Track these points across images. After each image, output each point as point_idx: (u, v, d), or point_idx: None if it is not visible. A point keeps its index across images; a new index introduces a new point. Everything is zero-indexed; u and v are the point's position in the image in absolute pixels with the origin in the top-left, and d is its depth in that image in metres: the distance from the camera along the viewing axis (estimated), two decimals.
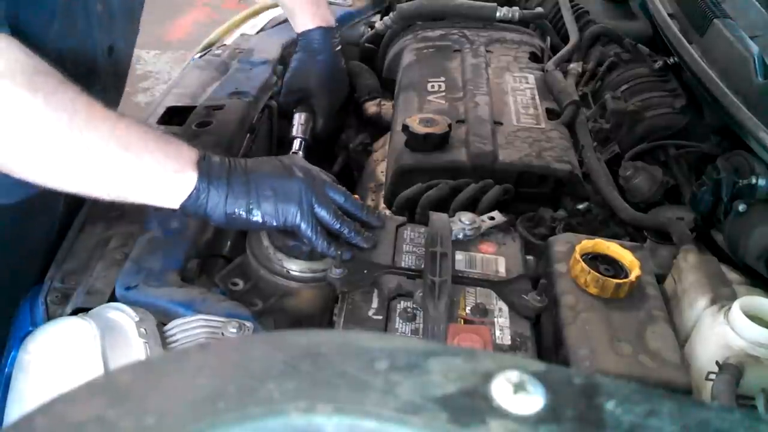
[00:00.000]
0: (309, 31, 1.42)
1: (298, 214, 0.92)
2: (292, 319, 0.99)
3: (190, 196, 0.88)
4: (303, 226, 0.92)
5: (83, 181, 0.86)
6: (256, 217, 0.91)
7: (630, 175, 1.22)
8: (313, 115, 1.42)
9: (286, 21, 1.58)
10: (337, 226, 0.94)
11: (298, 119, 1.40)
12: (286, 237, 1.00)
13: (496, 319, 0.88)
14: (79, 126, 0.82)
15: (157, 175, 0.87)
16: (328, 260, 0.95)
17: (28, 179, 0.86)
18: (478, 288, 0.92)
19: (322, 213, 0.93)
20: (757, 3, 1.23)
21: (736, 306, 0.82)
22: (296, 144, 1.40)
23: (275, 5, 1.76)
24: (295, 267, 1.00)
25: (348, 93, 1.55)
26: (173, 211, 0.91)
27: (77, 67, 1.06)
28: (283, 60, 1.56)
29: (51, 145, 0.82)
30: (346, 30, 1.79)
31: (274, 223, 0.92)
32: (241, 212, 0.91)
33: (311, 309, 1.00)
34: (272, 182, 0.92)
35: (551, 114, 1.34)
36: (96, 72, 1.12)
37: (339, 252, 0.91)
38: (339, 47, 1.45)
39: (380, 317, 0.88)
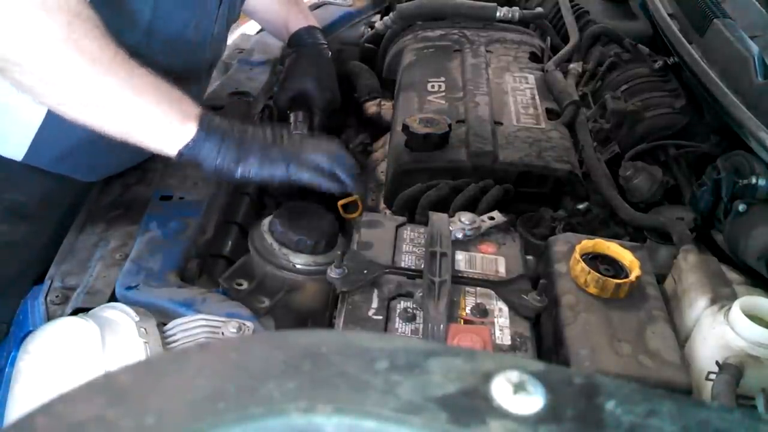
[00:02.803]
0: (299, 31, 1.45)
1: (287, 167, 0.99)
2: (299, 314, 1.00)
3: (187, 144, 0.95)
4: (297, 175, 0.99)
5: (96, 116, 0.94)
6: (241, 171, 0.97)
7: (630, 175, 1.22)
8: (310, 113, 1.42)
9: None
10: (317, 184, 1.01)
11: (295, 117, 1.39)
12: (290, 232, 1.01)
13: (496, 319, 0.88)
14: (100, 70, 0.90)
15: (162, 122, 0.95)
16: (332, 253, 0.95)
17: (48, 105, 0.97)
18: (478, 288, 0.92)
19: (302, 176, 0.99)
20: (757, 3, 1.23)
21: (736, 306, 0.82)
22: None
23: None
24: (300, 260, 1.02)
25: (347, 92, 1.55)
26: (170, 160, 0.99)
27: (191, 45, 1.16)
28: (283, 60, 1.56)
29: (72, 82, 0.91)
30: (346, 30, 1.79)
31: (259, 177, 0.98)
32: (229, 166, 0.97)
33: (317, 303, 1.01)
34: (261, 145, 0.99)
35: (551, 114, 1.34)
36: (205, 53, 1.22)
37: (340, 252, 0.92)
38: (326, 46, 1.46)
39: (380, 317, 0.88)
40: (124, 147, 0.96)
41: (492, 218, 1.03)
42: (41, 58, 0.88)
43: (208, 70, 1.31)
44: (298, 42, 1.45)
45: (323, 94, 1.38)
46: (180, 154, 0.96)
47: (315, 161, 1.01)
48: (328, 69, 1.43)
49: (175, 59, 1.11)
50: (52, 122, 1.04)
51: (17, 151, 1.09)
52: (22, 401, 0.83)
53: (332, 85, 1.42)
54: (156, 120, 0.95)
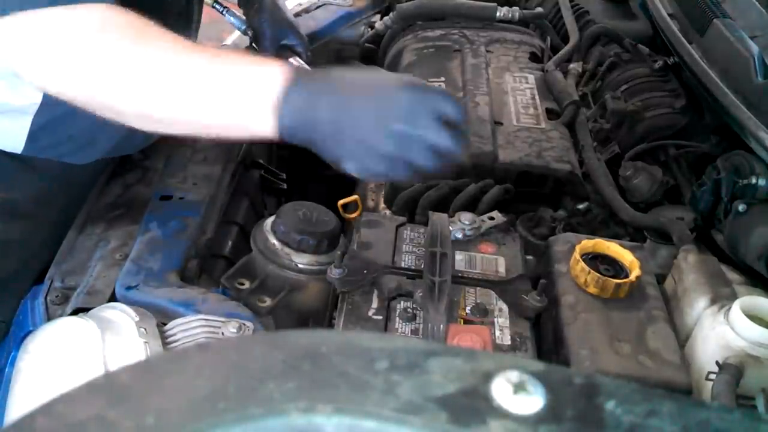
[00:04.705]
0: None
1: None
2: (301, 314, 1.00)
3: (278, 133, 0.83)
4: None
5: (181, 109, 0.87)
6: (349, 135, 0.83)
7: (630, 175, 1.22)
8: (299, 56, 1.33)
9: None
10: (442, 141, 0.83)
11: (295, 61, 1.31)
12: (292, 231, 1.02)
13: (496, 319, 0.88)
14: (176, 61, 0.85)
15: (242, 122, 0.85)
16: (334, 253, 0.95)
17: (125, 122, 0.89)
18: (478, 288, 0.92)
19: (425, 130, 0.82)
20: (757, 3, 1.23)
21: (736, 306, 0.82)
22: None
23: None
24: (302, 260, 1.02)
25: None
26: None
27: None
28: None
29: (154, 81, 0.85)
30: (346, 30, 1.79)
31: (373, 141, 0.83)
32: (327, 132, 0.83)
33: (319, 302, 1.01)
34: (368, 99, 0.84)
35: (551, 114, 1.34)
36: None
37: (339, 252, 0.92)
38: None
39: (380, 317, 0.88)
40: (120, 126, 0.93)
41: (492, 218, 1.03)
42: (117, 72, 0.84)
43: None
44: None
45: (300, 34, 1.31)
46: (282, 124, 0.83)
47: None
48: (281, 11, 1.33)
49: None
50: (48, 109, 1.04)
51: (16, 144, 1.09)
52: (22, 401, 0.83)
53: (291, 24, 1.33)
54: (236, 122, 0.86)
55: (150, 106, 0.87)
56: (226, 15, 1.38)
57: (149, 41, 0.85)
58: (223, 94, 0.85)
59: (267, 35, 1.29)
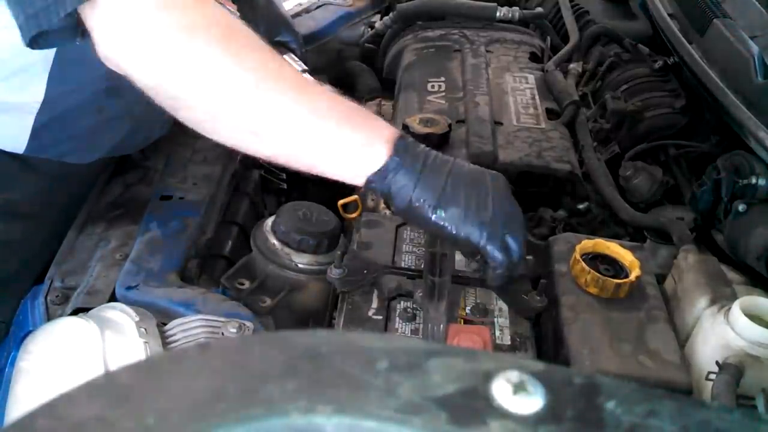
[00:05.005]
0: None
1: (485, 235, 0.82)
2: (301, 314, 1.00)
3: (378, 170, 0.81)
4: (488, 248, 0.83)
5: (268, 144, 0.83)
6: (440, 217, 0.82)
7: (630, 175, 1.22)
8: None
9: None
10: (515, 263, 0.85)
11: (290, 58, 1.29)
12: (293, 231, 1.02)
13: (496, 319, 0.88)
14: (267, 87, 0.80)
15: (346, 146, 0.82)
16: (334, 253, 0.95)
17: (218, 138, 0.84)
18: (478, 288, 0.92)
19: (513, 244, 0.84)
20: (757, 3, 1.23)
21: (736, 306, 0.82)
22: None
23: None
24: (302, 260, 1.02)
25: (347, 92, 1.54)
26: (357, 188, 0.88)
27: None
28: None
29: (238, 104, 0.80)
30: (346, 30, 1.79)
31: (454, 232, 0.82)
32: (426, 205, 0.82)
33: (319, 303, 1.01)
34: (469, 189, 0.83)
35: (551, 114, 1.34)
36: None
37: (339, 252, 0.92)
38: None
39: (380, 317, 0.88)
40: (122, 126, 0.91)
41: None
42: (197, 85, 0.79)
43: None
44: None
45: (295, 33, 1.28)
46: (369, 182, 0.82)
47: (519, 235, 0.84)
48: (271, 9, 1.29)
49: None
50: (50, 107, 1.04)
51: (19, 143, 1.09)
52: (22, 401, 0.83)
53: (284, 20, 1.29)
54: (339, 142, 0.82)
55: (234, 137, 0.83)
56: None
57: (241, 56, 0.79)
58: (338, 115, 0.82)
59: (261, 31, 1.29)
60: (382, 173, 0.82)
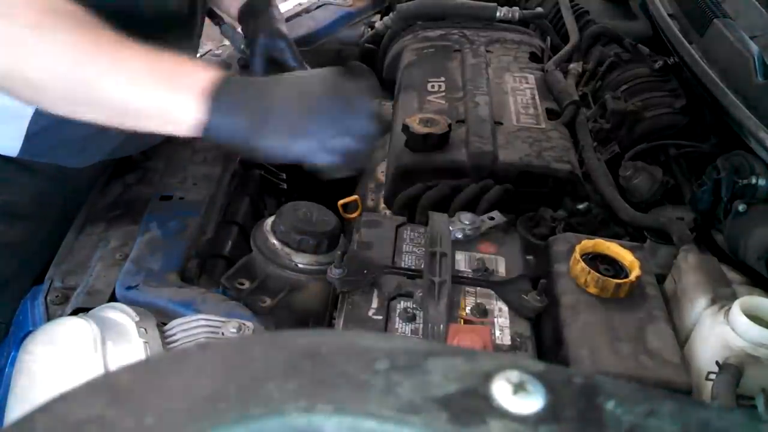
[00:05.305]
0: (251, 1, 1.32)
1: (311, 150, 0.87)
2: (301, 314, 1.00)
3: (200, 123, 0.85)
4: (316, 161, 0.87)
5: (91, 112, 0.88)
6: (266, 147, 0.86)
7: (630, 175, 1.22)
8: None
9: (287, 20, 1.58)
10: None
11: None
12: (293, 231, 1.02)
13: (496, 319, 0.88)
14: (79, 61, 0.84)
15: (165, 107, 0.86)
16: (334, 253, 0.95)
17: (46, 109, 0.90)
18: (478, 288, 0.92)
19: (339, 145, 0.87)
20: (757, 3, 1.23)
21: (736, 306, 0.82)
22: None
23: None
24: (303, 260, 1.02)
25: None
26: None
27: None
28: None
29: (53, 81, 0.85)
30: (346, 30, 1.79)
31: (282, 155, 0.87)
32: (250, 142, 0.86)
33: (319, 302, 1.01)
34: (292, 108, 0.87)
35: (551, 114, 1.34)
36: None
37: (339, 252, 0.92)
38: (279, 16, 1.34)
39: (380, 317, 0.88)
40: (118, 134, 0.92)
41: (492, 218, 1.03)
42: (16, 65, 0.84)
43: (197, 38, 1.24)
44: (252, 9, 1.31)
45: (298, 59, 1.27)
46: (198, 134, 0.86)
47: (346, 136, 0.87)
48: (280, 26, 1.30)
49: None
50: (44, 114, 1.03)
51: (12, 147, 1.09)
52: (23, 401, 0.83)
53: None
54: (157, 105, 0.86)
55: (57, 106, 0.88)
56: (222, 27, 1.38)
57: (51, 37, 0.84)
58: (152, 78, 0.86)
59: (259, 45, 1.28)
60: (204, 125, 0.85)
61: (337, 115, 0.87)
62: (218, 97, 0.84)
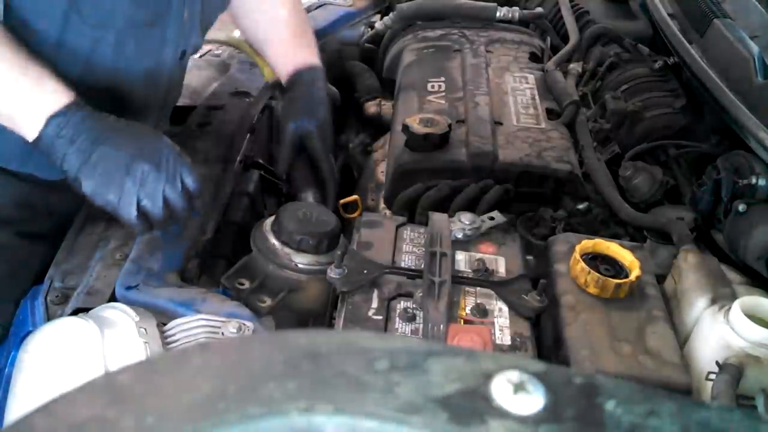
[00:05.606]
0: (300, 70, 1.29)
1: (118, 206, 0.93)
2: (301, 314, 1.00)
3: (35, 140, 0.93)
4: (123, 216, 0.94)
5: None
6: (81, 187, 0.93)
7: (630, 175, 1.22)
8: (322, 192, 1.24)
9: None
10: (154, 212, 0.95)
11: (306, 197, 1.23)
12: (292, 231, 1.02)
13: (496, 319, 0.88)
14: None
15: (11, 112, 0.94)
16: (334, 253, 0.95)
17: None
18: (478, 288, 0.92)
19: (147, 204, 0.94)
20: (757, 3, 1.23)
21: (736, 306, 0.82)
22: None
23: None
24: (302, 260, 1.02)
25: (347, 92, 1.54)
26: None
27: (150, 70, 1.13)
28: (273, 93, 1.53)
29: None
30: (346, 30, 1.79)
31: (95, 201, 0.94)
32: (72, 177, 0.93)
33: (319, 302, 1.01)
34: (109, 157, 0.93)
35: (551, 114, 1.34)
36: (164, 76, 1.17)
37: (339, 252, 0.92)
38: (324, 88, 1.30)
39: (380, 317, 0.88)
40: None
41: (492, 218, 1.03)
42: None
43: (165, 96, 1.21)
44: (295, 82, 1.28)
45: (325, 145, 1.24)
46: (36, 147, 0.94)
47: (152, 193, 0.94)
48: (326, 116, 1.26)
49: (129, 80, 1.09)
50: None
51: None
52: (22, 401, 0.83)
53: (330, 134, 1.27)
54: (7, 108, 0.94)
55: None
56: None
57: None
58: (13, 84, 0.93)
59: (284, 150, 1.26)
60: (38, 142, 0.93)
61: (148, 179, 0.93)
62: (53, 121, 0.92)
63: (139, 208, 0.93)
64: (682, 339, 0.89)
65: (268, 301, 0.98)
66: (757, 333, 0.80)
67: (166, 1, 1.07)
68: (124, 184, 0.92)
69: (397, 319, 0.88)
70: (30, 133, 0.93)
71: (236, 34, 1.72)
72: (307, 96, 1.26)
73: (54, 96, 0.94)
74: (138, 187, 0.93)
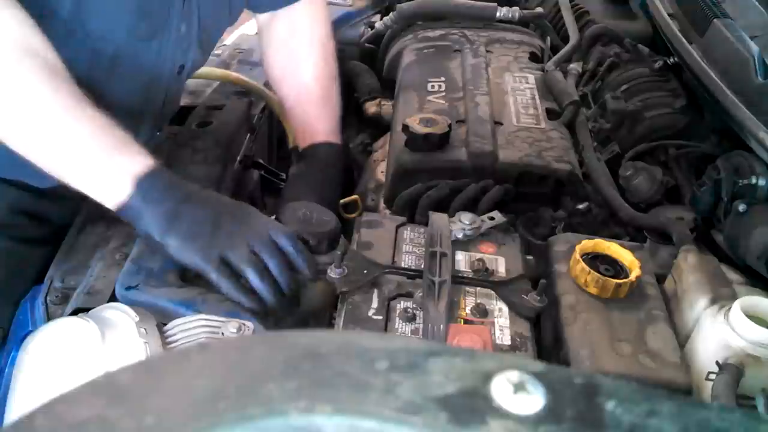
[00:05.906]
0: (318, 145, 1.27)
1: (202, 259, 0.91)
2: (301, 314, 1.00)
3: (119, 204, 0.92)
4: (207, 270, 0.91)
5: (33, 152, 0.93)
6: (168, 247, 0.92)
7: (630, 175, 1.22)
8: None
9: None
10: (251, 278, 0.91)
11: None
12: (294, 232, 1.01)
13: (496, 319, 0.88)
14: (37, 103, 0.90)
15: (96, 175, 0.92)
16: (334, 252, 0.95)
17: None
18: (478, 288, 0.92)
19: (238, 263, 0.91)
20: (757, 3, 1.23)
21: (736, 306, 0.82)
22: None
23: None
24: None
25: (347, 92, 1.54)
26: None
27: (147, 83, 1.12)
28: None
29: (11, 123, 0.92)
30: (346, 30, 1.79)
31: (182, 260, 0.92)
32: (156, 239, 0.92)
33: (321, 302, 1.01)
34: (198, 219, 0.92)
35: (551, 114, 1.34)
36: (161, 88, 1.16)
37: (339, 252, 0.91)
38: (338, 166, 1.29)
39: (380, 317, 0.88)
40: None
41: (492, 218, 1.03)
42: None
43: (162, 108, 1.21)
44: (311, 154, 1.27)
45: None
46: (117, 209, 0.92)
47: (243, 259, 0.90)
48: (330, 196, 1.22)
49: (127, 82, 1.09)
50: None
51: None
52: (23, 401, 0.83)
53: (334, 202, 1.22)
54: (90, 175, 0.92)
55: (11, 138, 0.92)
56: None
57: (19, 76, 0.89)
58: (94, 149, 0.92)
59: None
60: (125, 206, 0.91)
61: (236, 240, 0.91)
62: (143, 186, 0.91)
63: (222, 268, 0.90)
64: (682, 339, 0.89)
65: None
66: (757, 333, 0.80)
67: (166, 14, 1.07)
68: (205, 242, 0.91)
69: (397, 319, 0.88)
70: (114, 196, 0.92)
71: (238, 33, 1.73)
72: (315, 174, 1.25)
73: (140, 158, 0.93)
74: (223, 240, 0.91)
